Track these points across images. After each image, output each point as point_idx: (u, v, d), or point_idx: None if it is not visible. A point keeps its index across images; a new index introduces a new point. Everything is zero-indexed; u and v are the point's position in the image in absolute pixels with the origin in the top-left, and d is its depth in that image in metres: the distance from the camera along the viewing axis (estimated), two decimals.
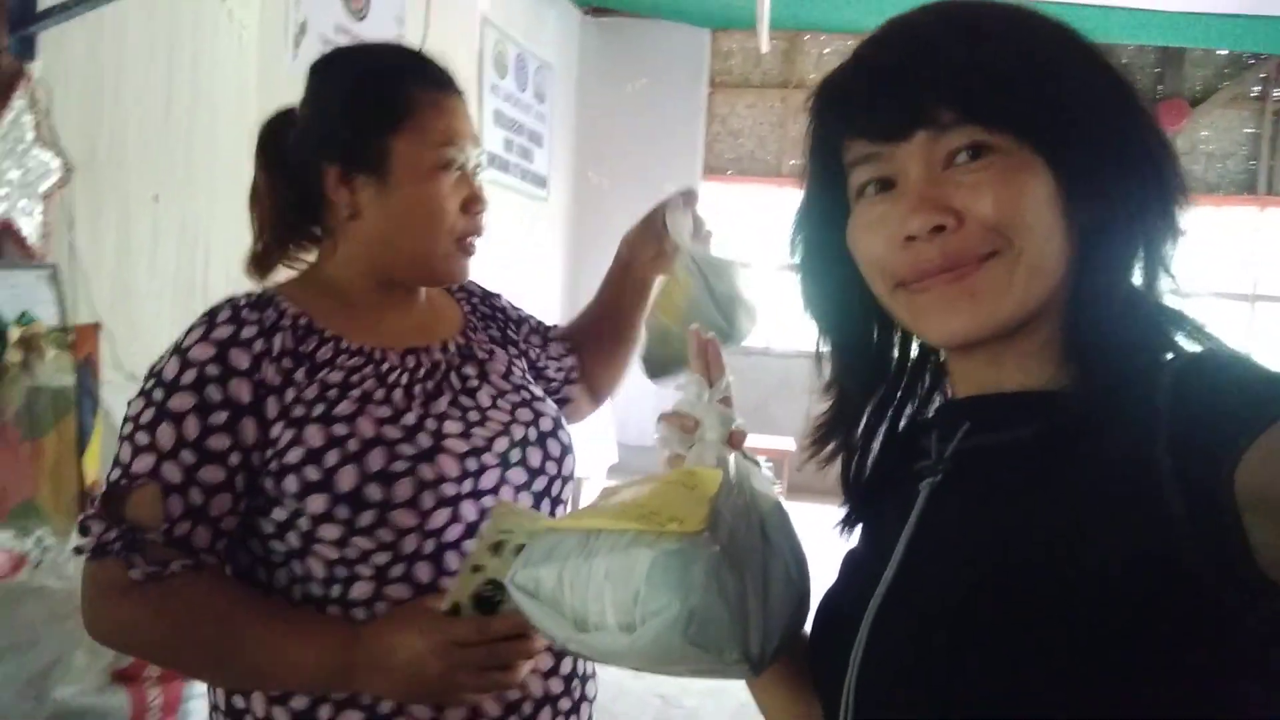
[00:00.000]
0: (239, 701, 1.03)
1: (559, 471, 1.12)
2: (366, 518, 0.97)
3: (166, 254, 2.87)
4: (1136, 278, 0.65)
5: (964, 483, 0.68)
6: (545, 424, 1.13)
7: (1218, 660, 0.54)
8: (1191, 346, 0.63)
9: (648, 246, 1.33)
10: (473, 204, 1.10)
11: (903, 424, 0.78)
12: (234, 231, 1.32)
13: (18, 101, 2.24)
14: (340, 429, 0.99)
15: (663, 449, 0.80)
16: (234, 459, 0.98)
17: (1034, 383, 0.67)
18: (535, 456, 1.10)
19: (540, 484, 1.10)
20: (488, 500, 1.03)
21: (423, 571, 1.00)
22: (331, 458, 0.98)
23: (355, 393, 1.02)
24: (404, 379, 1.06)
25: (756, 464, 0.79)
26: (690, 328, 0.85)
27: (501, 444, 1.07)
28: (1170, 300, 0.65)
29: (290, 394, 1.00)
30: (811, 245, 0.74)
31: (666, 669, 0.67)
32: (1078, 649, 0.55)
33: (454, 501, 1.01)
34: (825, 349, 0.77)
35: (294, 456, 0.98)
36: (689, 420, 0.79)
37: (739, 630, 0.65)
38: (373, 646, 0.95)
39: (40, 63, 2.29)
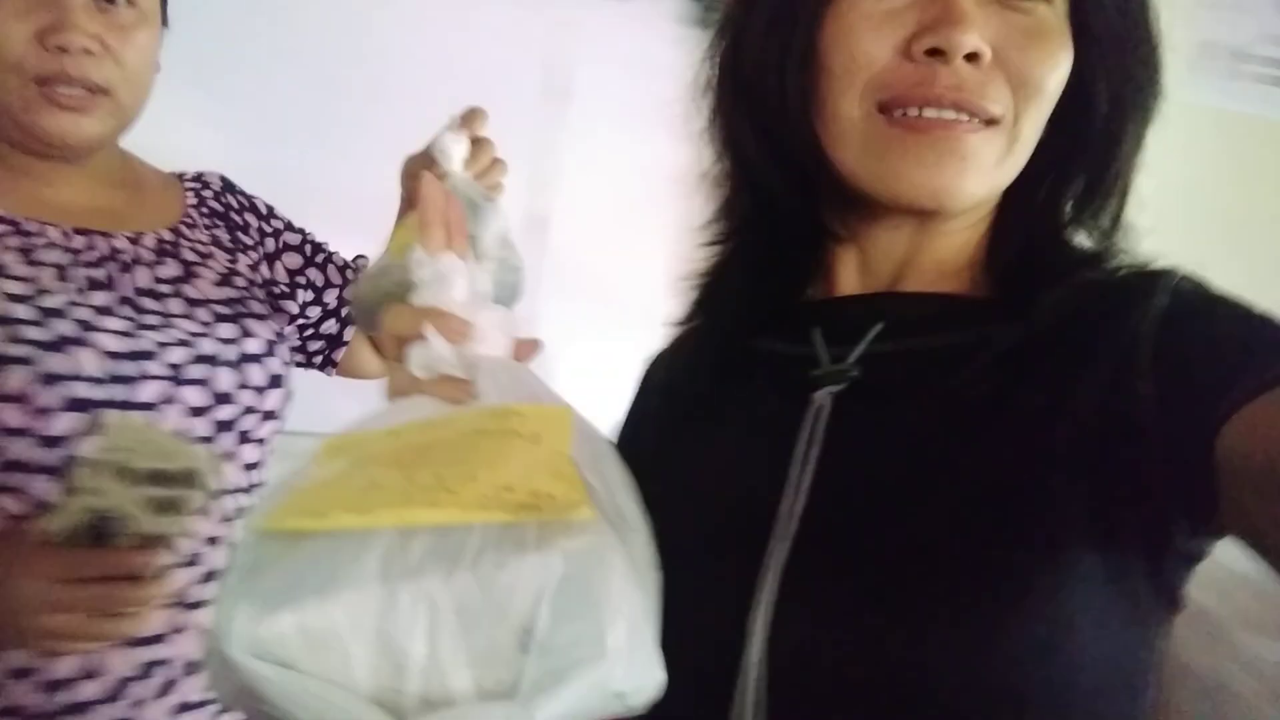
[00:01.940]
0: None
1: (259, 405, 0.93)
2: None
3: None
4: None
5: (884, 392, 0.54)
6: (253, 345, 0.93)
7: (1155, 590, 0.50)
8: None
9: (413, 177, 0.96)
10: (50, 33, 0.84)
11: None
12: None
13: None
14: None
15: (420, 373, 0.50)
16: None
17: (946, 286, 0.57)
18: (227, 379, 0.91)
19: (226, 412, 0.91)
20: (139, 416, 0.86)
21: (39, 486, 0.83)
22: None
23: None
24: (61, 258, 0.89)
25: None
26: (424, 176, 0.55)
27: (177, 354, 0.88)
28: None
29: None
30: (769, 26, 0.56)
31: None
32: (1040, 571, 0.47)
33: (88, 406, 0.83)
34: (724, 177, 0.62)
35: None
36: (457, 322, 0.50)
37: (657, 653, 0.42)
38: None
39: None
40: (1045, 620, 0.46)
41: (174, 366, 0.88)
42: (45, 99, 0.86)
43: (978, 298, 0.56)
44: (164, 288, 0.92)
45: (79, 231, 0.91)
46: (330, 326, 1.09)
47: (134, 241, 0.94)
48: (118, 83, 0.88)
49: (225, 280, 0.97)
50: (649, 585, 0.44)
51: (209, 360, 0.90)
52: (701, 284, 0.65)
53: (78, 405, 0.83)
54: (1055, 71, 0.53)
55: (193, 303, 0.93)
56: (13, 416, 0.82)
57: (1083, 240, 0.59)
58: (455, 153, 0.81)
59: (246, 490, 0.93)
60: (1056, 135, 0.56)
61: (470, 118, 0.82)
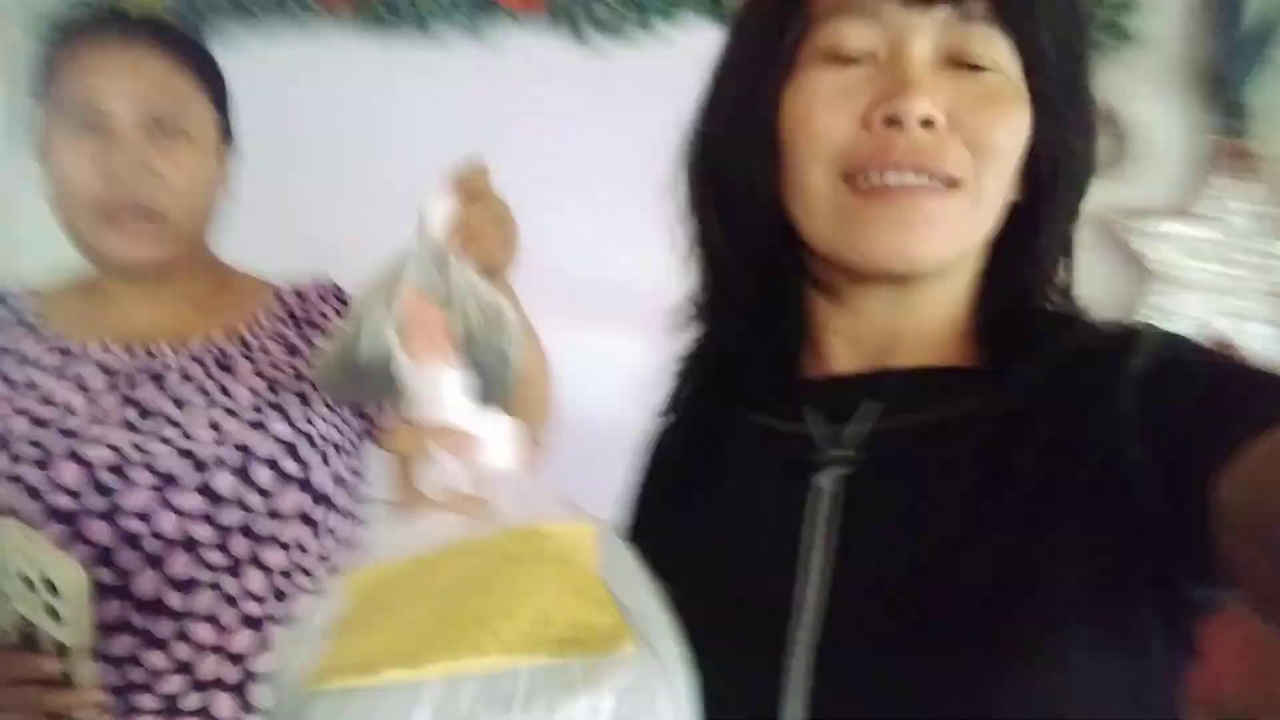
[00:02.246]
0: None
1: (268, 508, 0.93)
2: None
3: None
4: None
5: (890, 471, 0.56)
6: (264, 448, 0.94)
7: (1169, 643, 0.52)
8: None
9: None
10: (107, 169, 0.93)
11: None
12: None
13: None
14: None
15: (435, 495, 0.50)
16: None
17: (934, 356, 0.59)
18: (226, 483, 0.92)
19: (231, 517, 0.92)
20: (133, 523, 0.89)
21: None
22: None
23: (33, 392, 0.94)
24: (92, 377, 0.96)
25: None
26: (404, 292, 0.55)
27: (171, 463, 0.90)
28: None
29: None
30: (746, 118, 0.59)
31: None
32: (1050, 629, 0.49)
33: (70, 519, 0.88)
34: (701, 262, 0.64)
35: None
36: (465, 439, 0.51)
37: None
38: None
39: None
40: (1056, 685, 0.48)
41: (160, 475, 0.90)
42: (106, 224, 0.94)
43: (966, 367, 0.59)
44: (193, 395, 0.96)
45: (128, 350, 0.98)
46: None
47: (176, 351, 0.99)
48: (169, 205, 0.95)
49: (264, 388, 0.99)
50: (685, 695, 0.45)
51: (211, 465, 0.91)
52: (690, 362, 0.66)
53: (59, 517, 0.87)
54: (1010, 133, 0.55)
55: (217, 408, 0.95)
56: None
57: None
58: (435, 217, 0.71)
59: (278, 598, 0.94)
60: (1029, 196, 0.59)
61: (459, 175, 0.72)
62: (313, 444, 0.97)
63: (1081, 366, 0.54)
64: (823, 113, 0.55)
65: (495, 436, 0.51)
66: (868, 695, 0.50)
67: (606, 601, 0.43)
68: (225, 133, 1.03)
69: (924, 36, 0.54)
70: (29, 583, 0.79)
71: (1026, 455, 0.52)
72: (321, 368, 0.79)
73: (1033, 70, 0.56)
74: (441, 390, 0.52)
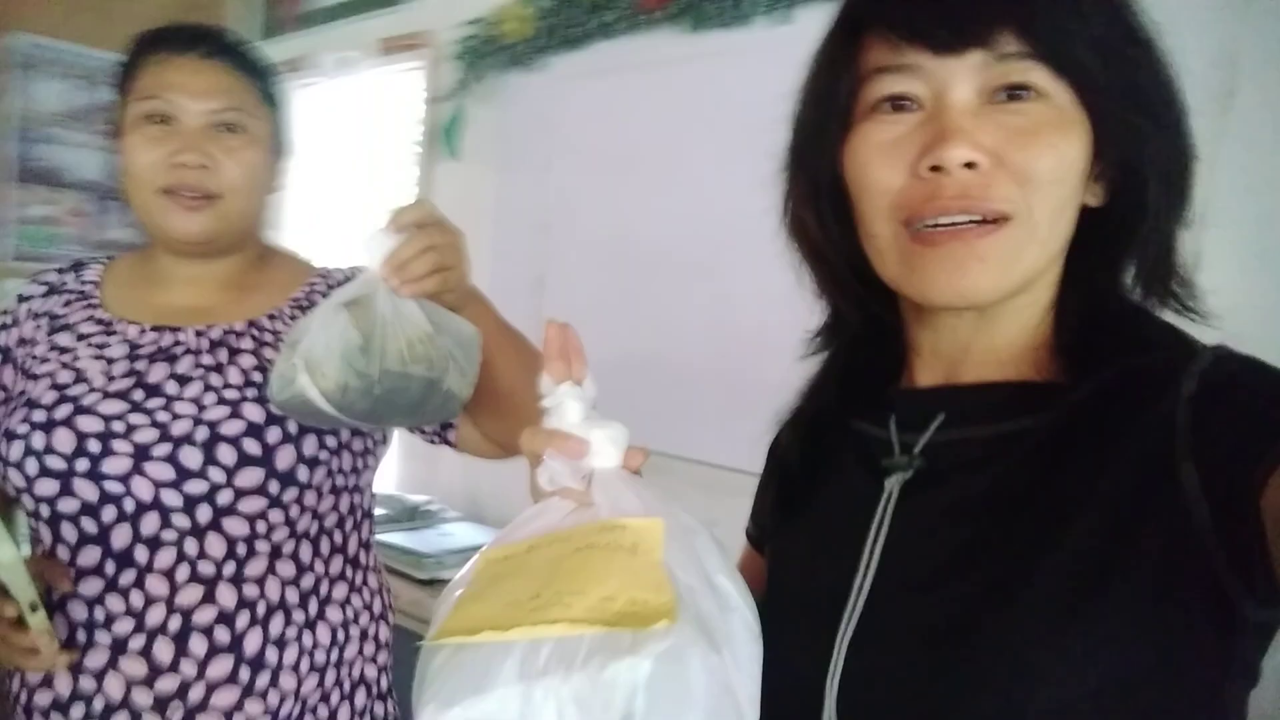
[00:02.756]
0: None
1: (229, 481, 1.03)
2: (3, 469, 1.05)
3: None
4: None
5: (942, 479, 0.61)
6: (231, 426, 1.04)
7: (1226, 663, 0.54)
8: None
9: None
10: (175, 154, 1.08)
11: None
12: None
13: None
14: (30, 386, 1.08)
15: (547, 487, 0.62)
16: (1, 395, 1.13)
17: (1011, 370, 0.62)
18: (192, 457, 1.02)
19: (196, 487, 1.02)
20: (113, 485, 1.02)
21: (45, 535, 1.06)
22: (11, 408, 1.08)
23: (66, 357, 1.09)
24: (121, 351, 1.09)
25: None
26: (547, 321, 0.66)
27: (146, 434, 1.03)
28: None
29: (31, 349, 1.12)
30: (817, 168, 0.64)
31: None
32: (1093, 653, 0.52)
33: (63, 476, 1.02)
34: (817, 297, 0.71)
35: (15, 404, 1.08)
36: (575, 443, 0.62)
37: None
38: None
39: None
40: (1064, 691, 0.51)
41: (137, 445, 1.02)
42: (170, 203, 1.08)
43: (1035, 382, 0.61)
44: (195, 373, 1.07)
45: (155, 328, 1.10)
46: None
47: (200, 334, 1.10)
48: (225, 190, 1.09)
49: (253, 368, 1.08)
50: (744, 659, 0.54)
51: (179, 440, 1.02)
52: (813, 380, 0.74)
53: (53, 474, 1.01)
54: (1057, 160, 0.56)
55: (208, 389, 1.05)
56: (16, 479, 1.03)
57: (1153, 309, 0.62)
58: (371, 253, 0.89)
59: (234, 557, 1.04)
60: (1112, 211, 0.60)
61: (397, 214, 0.89)
62: (282, 426, 1.05)
63: (1136, 386, 0.55)
64: (876, 165, 0.59)
65: (604, 443, 0.63)
66: (884, 678, 0.57)
67: (664, 583, 0.53)
68: (281, 142, 1.18)
69: (962, 82, 0.57)
70: None
71: (1062, 473, 0.55)
72: (272, 398, 0.93)
73: (1082, 88, 0.56)
74: (565, 404, 0.63)
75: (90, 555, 1.03)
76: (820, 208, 0.64)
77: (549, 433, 0.63)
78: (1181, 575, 0.51)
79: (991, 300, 0.59)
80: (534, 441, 0.64)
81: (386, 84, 2.84)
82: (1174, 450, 0.52)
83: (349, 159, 2.97)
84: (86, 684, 1.03)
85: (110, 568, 1.02)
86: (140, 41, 1.14)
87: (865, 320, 0.69)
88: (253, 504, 1.04)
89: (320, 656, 1.08)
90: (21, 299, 1.17)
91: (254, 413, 1.05)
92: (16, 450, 1.03)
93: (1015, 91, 0.56)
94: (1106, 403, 0.56)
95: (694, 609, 0.53)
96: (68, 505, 1.02)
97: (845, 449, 0.68)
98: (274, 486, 1.04)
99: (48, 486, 1.02)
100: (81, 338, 1.10)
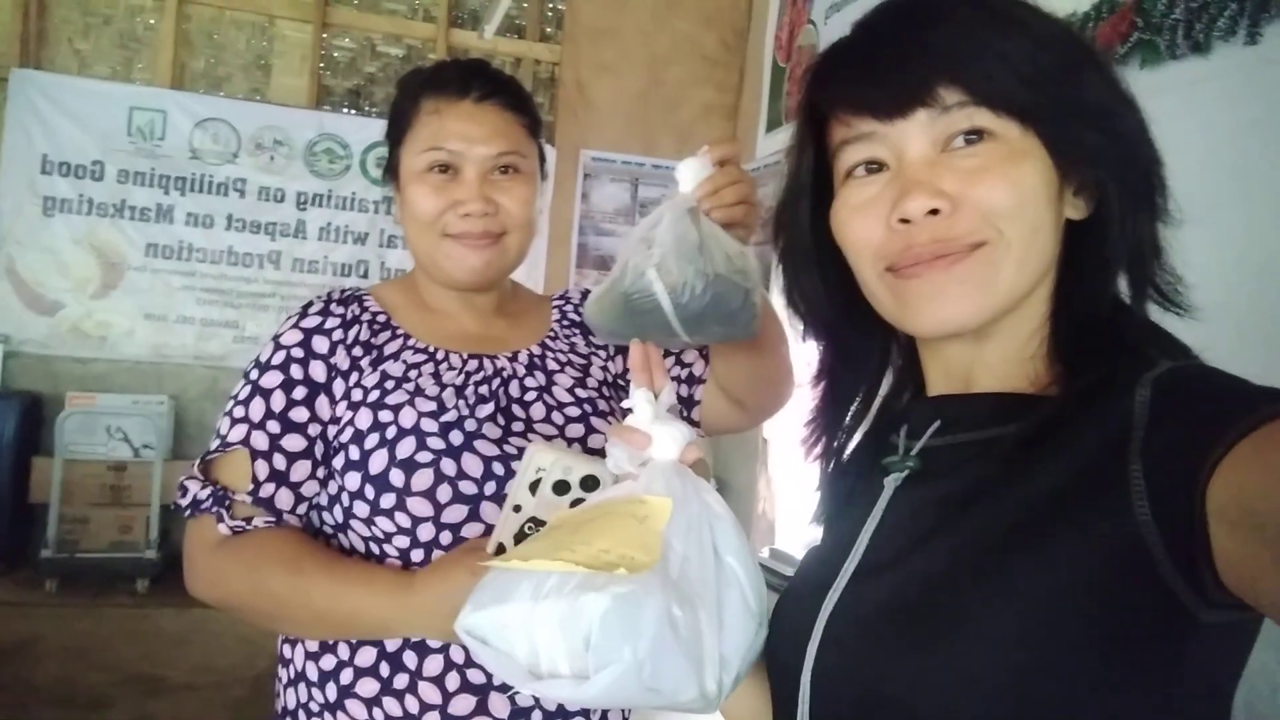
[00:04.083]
0: (286, 651, 1.12)
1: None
2: (387, 500, 1.03)
3: None
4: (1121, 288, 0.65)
5: (929, 479, 0.68)
6: (594, 441, 1.11)
7: (1172, 664, 0.54)
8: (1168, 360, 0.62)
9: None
10: (458, 204, 1.13)
11: (869, 419, 0.79)
12: None
13: None
14: (385, 415, 1.06)
15: (613, 468, 0.78)
16: (312, 430, 1.08)
17: (1009, 382, 0.67)
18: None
19: None
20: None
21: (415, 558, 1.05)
22: (371, 440, 1.05)
23: (409, 386, 1.09)
24: (459, 380, 1.12)
25: (708, 481, 0.77)
26: (632, 340, 0.82)
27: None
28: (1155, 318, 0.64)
29: (354, 379, 1.10)
30: (795, 233, 0.73)
31: (626, 706, 0.67)
32: (1033, 646, 0.55)
33: (472, 500, 1.04)
34: (812, 341, 0.78)
35: (345, 435, 1.07)
36: (640, 437, 0.77)
37: (693, 672, 0.64)
38: (424, 591, 0.97)
39: None
40: (1016, 674, 0.55)
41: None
42: (455, 245, 1.13)
43: (1021, 393, 0.65)
44: (530, 395, 1.13)
45: (472, 355, 1.15)
46: (679, 390, 1.22)
47: (511, 359, 1.16)
48: (508, 229, 1.15)
49: (579, 383, 1.16)
50: (732, 626, 0.66)
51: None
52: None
53: (463, 499, 1.03)
54: (1013, 190, 0.61)
55: (551, 409, 1.12)
56: (420, 507, 1.02)
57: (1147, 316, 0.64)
58: (686, 176, 0.97)
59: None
60: (1095, 221, 0.64)
61: (715, 145, 0.96)
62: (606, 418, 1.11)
63: (1104, 393, 0.59)
64: (855, 224, 0.67)
65: (664, 439, 0.76)
66: (848, 644, 0.65)
67: (653, 548, 0.66)
68: (543, 170, 1.21)
69: (914, 139, 0.63)
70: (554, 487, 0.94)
71: (1027, 473, 0.60)
72: (593, 307, 1.03)
73: (1025, 120, 0.61)
74: (639, 406, 0.78)
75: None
76: (822, 270, 0.73)
77: (620, 426, 0.78)
78: (1127, 572, 0.53)
79: (976, 324, 0.64)
80: (610, 432, 0.79)
81: None
82: (1127, 450, 0.55)
83: None
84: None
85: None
86: (410, 85, 1.18)
87: (881, 356, 0.76)
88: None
89: None
90: (312, 332, 1.12)
91: (600, 425, 1.13)
92: (423, 479, 1.02)
93: (970, 136, 0.62)
94: (1075, 409, 0.59)
95: (676, 572, 0.66)
96: (471, 530, 1.03)
97: (869, 452, 0.76)
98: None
99: (456, 513, 1.03)
100: (410, 367, 1.11)
